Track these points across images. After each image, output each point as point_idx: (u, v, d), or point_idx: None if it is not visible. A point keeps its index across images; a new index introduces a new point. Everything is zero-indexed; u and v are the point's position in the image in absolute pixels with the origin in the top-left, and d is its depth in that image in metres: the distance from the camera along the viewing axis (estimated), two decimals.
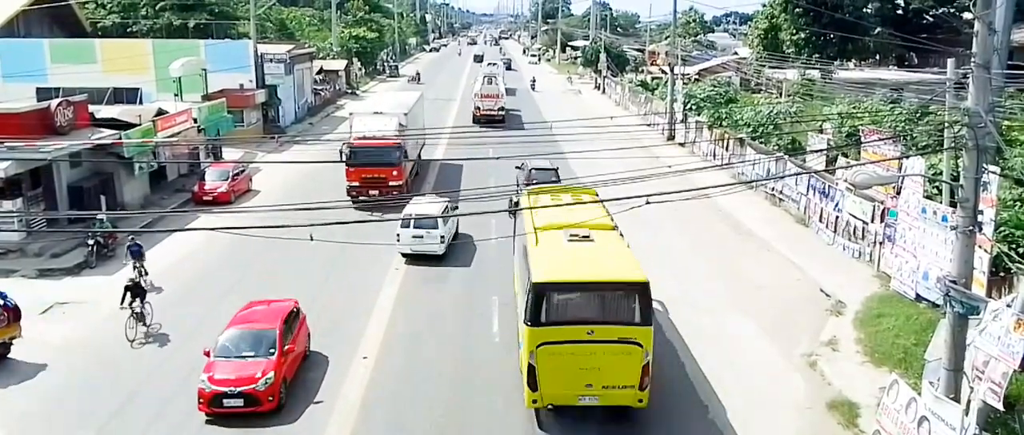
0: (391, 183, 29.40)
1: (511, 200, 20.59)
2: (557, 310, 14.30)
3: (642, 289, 14.20)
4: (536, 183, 26.17)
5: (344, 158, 28.49)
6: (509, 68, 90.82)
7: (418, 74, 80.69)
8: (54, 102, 27.08)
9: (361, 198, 28.69)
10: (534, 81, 77.23)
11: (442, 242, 23.62)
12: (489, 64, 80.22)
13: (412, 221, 23.46)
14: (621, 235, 16.86)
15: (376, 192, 29.05)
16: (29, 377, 16.58)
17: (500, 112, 50.92)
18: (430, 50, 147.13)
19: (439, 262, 23.69)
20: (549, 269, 14.74)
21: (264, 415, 14.93)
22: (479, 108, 51.24)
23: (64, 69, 41.89)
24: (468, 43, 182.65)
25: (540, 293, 14.23)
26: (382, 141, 29.50)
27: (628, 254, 15.81)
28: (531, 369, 14.20)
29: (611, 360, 14.08)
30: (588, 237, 16.17)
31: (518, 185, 25.75)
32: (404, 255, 23.79)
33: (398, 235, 23.50)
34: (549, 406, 14.61)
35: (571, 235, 16.15)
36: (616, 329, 14.12)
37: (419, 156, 35.71)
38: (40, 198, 25.68)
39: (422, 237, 23.41)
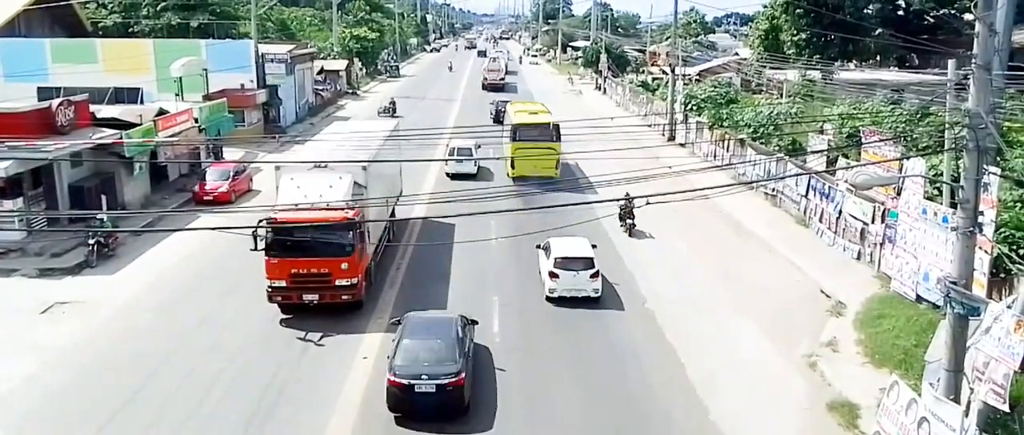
0: (339, 282, 19.05)
1: (496, 114, 47.97)
2: (520, 134, 33.49)
3: (556, 125, 33.55)
4: (502, 110, 45.18)
5: (263, 243, 18.27)
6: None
7: (393, 103, 55.77)
8: (55, 102, 27.07)
9: (290, 304, 19.39)
10: (521, 58, 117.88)
11: (475, 165, 34.81)
12: (496, 49, 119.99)
13: (455, 151, 35.06)
14: (550, 113, 36.79)
15: (315, 297, 19.09)
16: (29, 377, 16.58)
17: (501, 80, 75.52)
18: (431, 50, 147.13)
19: (444, 263, 23.78)
20: (516, 119, 35.00)
21: None
22: (487, 78, 75.72)
23: (65, 69, 41.93)
24: (466, 46, 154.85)
25: (514, 128, 33.91)
26: (325, 213, 18.90)
27: (552, 116, 35.85)
28: (512, 160, 32.51)
29: (543, 156, 32.45)
30: (536, 112, 36.98)
31: (494, 112, 49.29)
32: (449, 175, 34.45)
33: (446, 160, 34.37)
34: (518, 177, 32.42)
35: (530, 111, 37.24)
36: (544, 142, 32.99)
37: (391, 222, 25.17)
38: (41, 197, 25.69)
39: (462, 162, 34.44)
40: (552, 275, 20.38)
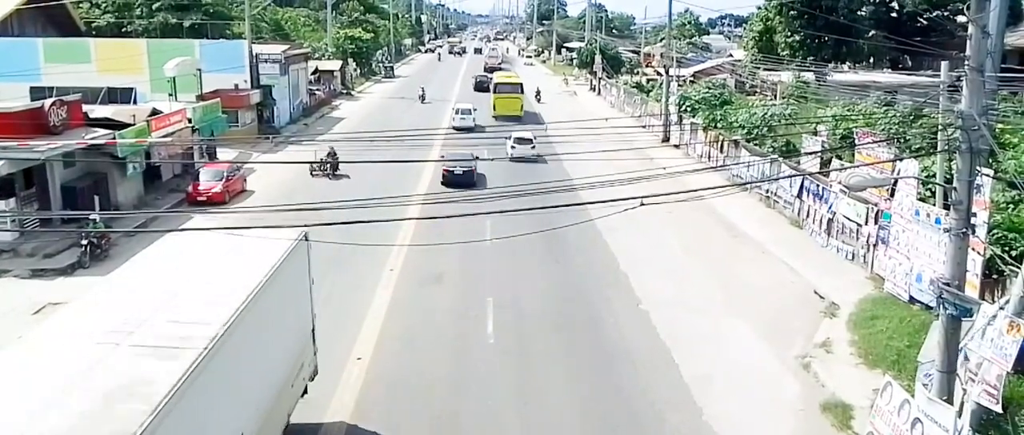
0: None
1: (485, 85, 66.00)
2: (499, 89, 55.46)
3: (520, 83, 57.58)
4: (481, 81, 68.94)
5: None
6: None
7: (334, 155, 33.35)
8: (48, 102, 26.92)
9: None
10: (508, 49, 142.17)
11: (474, 121, 48.11)
12: (491, 46, 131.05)
13: (460, 110, 49.10)
14: (518, 77, 61.92)
15: None
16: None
17: (498, 64, 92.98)
18: (425, 51, 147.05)
19: (437, 265, 23.74)
20: (497, 80, 58.82)
21: None
22: (487, 63, 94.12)
23: (58, 68, 41.70)
24: (453, 52, 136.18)
25: (495, 85, 57.11)
26: None
27: (519, 78, 61.57)
28: (494, 104, 53.92)
29: (513, 102, 54.04)
30: (509, 77, 61.28)
31: (475, 83, 70.95)
32: (454, 128, 46.38)
33: (452, 117, 48.75)
34: (497, 117, 52.71)
35: (505, 76, 62.79)
36: (513, 94, 54.84)
37: None
38: (33, 198, 25.54)
39: (464, 118, 47.85)
40: (512, 147, 37.51)
